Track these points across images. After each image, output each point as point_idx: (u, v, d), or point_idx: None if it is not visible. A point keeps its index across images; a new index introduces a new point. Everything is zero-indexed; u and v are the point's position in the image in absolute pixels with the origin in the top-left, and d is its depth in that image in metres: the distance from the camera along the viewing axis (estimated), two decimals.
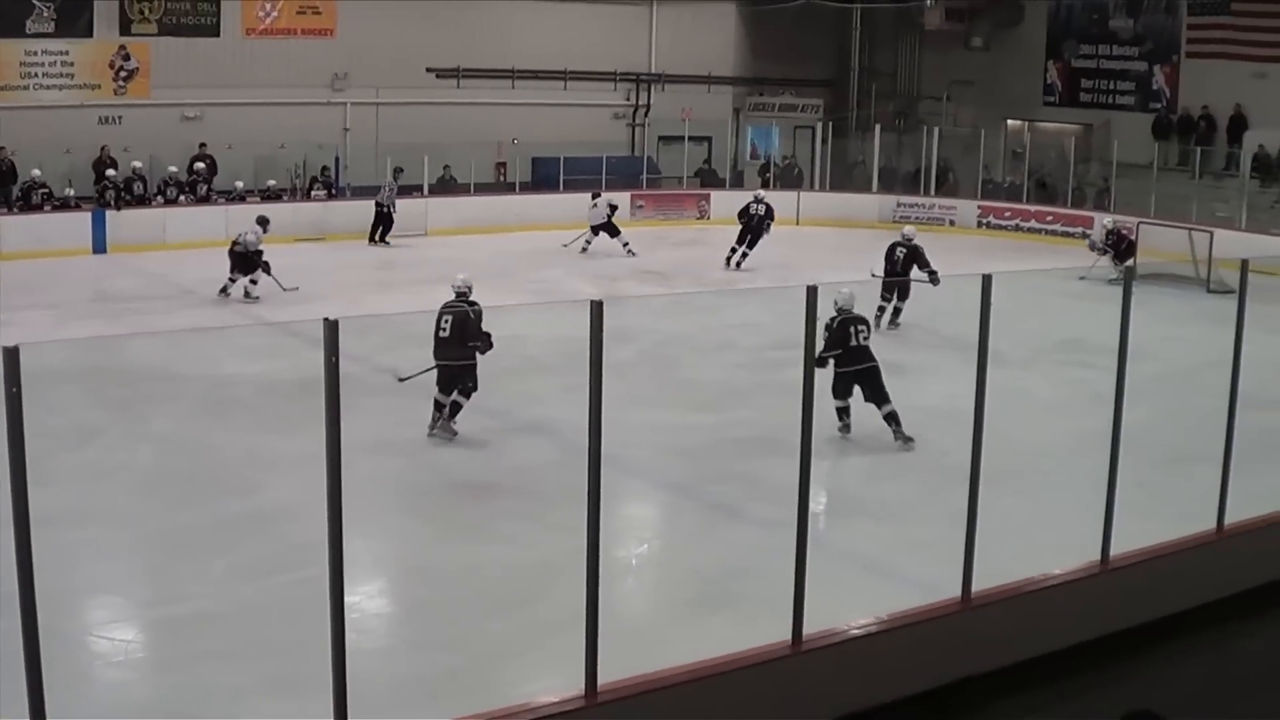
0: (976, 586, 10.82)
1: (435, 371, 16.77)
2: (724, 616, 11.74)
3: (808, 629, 9.89)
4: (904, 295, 24.14)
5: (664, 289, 26.75)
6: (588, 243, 32.96)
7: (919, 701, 10.41)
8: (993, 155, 42.57)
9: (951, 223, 39.12)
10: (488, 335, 16.55)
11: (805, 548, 9.69)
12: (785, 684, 9.84)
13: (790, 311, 9.76)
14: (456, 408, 16.89)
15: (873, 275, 24.38)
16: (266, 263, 26.62)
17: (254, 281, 26.69)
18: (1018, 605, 11.20)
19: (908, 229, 24.91)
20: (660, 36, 42.91)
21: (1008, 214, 39.67)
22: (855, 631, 10.37)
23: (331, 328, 7.47)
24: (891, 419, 17.28)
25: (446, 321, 16.77)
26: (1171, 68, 42.42)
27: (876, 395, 17.25)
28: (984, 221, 39.52)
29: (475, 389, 16.81)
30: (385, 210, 34.73)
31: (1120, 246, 30.76)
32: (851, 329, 17.27)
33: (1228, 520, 12.80)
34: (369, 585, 12.33)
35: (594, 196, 33.95)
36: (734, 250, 31.44)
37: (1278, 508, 13.60)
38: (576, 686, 8.84)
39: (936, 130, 41.83)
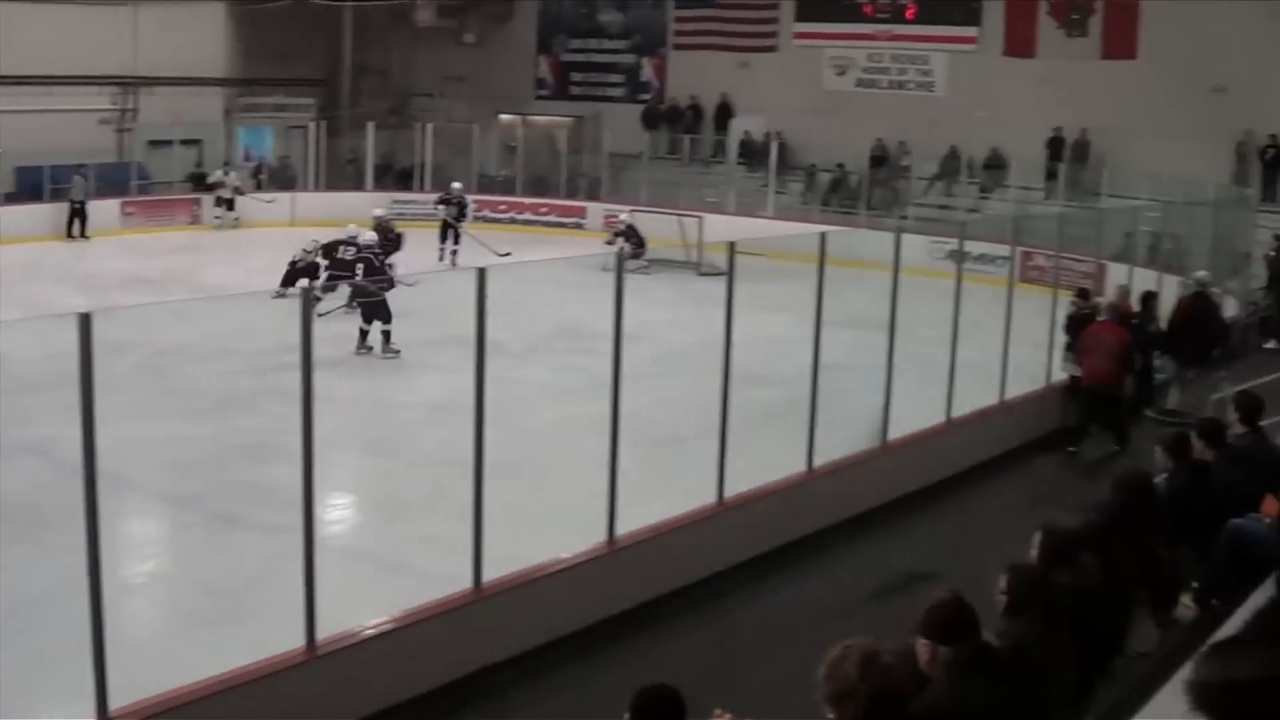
0: (488, 576, 10.93)
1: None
2: (236, 628, 11.48)
3: (322, 633, 9.80)
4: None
5: (157, 297, 26.00)
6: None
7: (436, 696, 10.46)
8: (486, 150, 43.02)
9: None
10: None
11: (313, 552, 9.60)
12: (303, 691, 9.73)
13: (287, 315, 9.64)
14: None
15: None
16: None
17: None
18: (529, 592, 11.36)
19: (351, 227, 24.97)
20: (146, 38, 41.38)
21: (503, 207, 40.10)
22: (370, 631, 10.33)
23: None
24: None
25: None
26: (660, 59, 43.86)
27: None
28: (479, 215, 39.80)
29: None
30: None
31: (635, 236, 31.65)
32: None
33: (727, 493, 13.25)
34: None
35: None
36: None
37: (773, 479, 14.18)
38: (88, 714, 8.53)
39: (430, 126, 41.96)
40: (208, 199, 38.96)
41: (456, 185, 35.11)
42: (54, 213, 35.20)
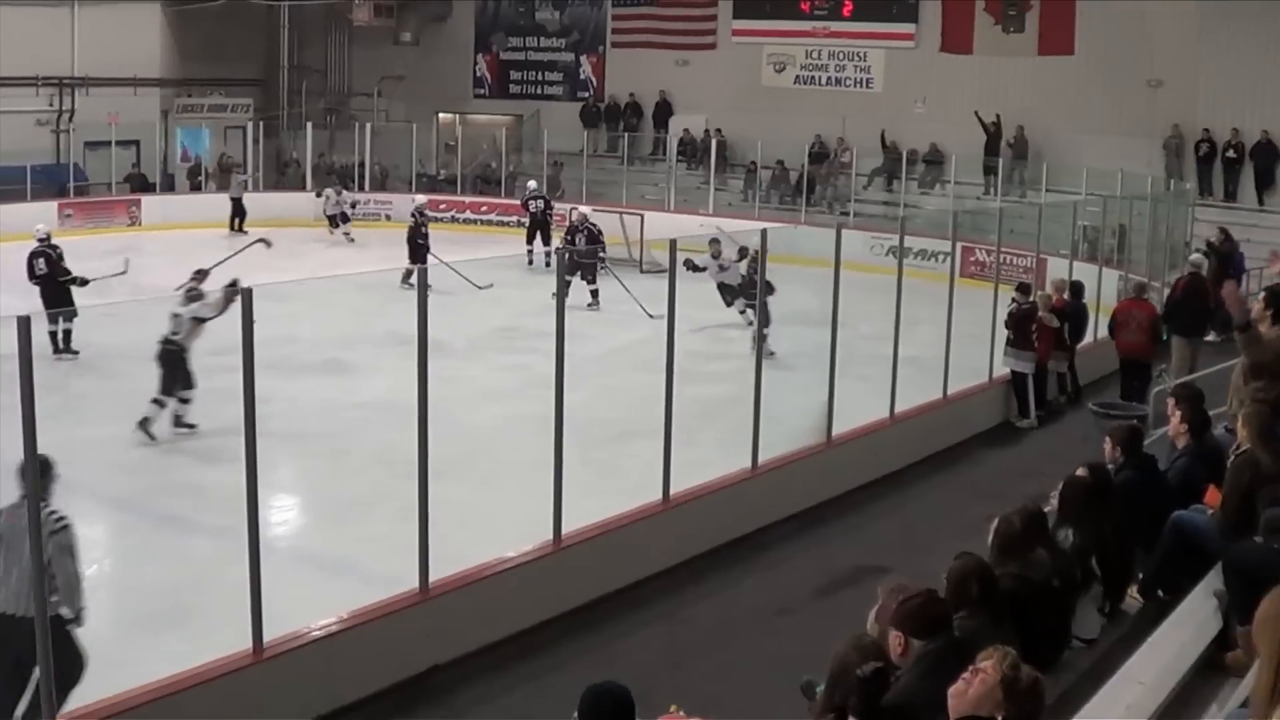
0: (434, 576, 10.90)
1: None
2: (183, 631, 11.40)
3: (269, 635, 9.75)
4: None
5: (97, 300, 25.75)
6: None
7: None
8: (426, 149, 42.92)
9: (388, 217, 39.05)
10: None
11: (258, 554, 9.54)
12: (251, 694, 9.68)
13: (227, 316, 9.59)
14: None
15: None
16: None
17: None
18: (476, 591, 11.34)
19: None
20: (83, 38, 40.88)
21: (444, 206, 39.88)
22: (317, 633, 10.28)
23: None
24: None
25: None
26: (598, 58, 43.85)
27: None
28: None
29: None
30: None
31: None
32: None
33: (673, 490, 13.26)
34: None
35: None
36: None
37: (716, 475, 14.21)
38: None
39: (369, 126, 41.80)
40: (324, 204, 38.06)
41: (532, 184, 35.37)
42: None
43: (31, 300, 21.10)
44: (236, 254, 23.84)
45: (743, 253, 23.96)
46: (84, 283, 22.40)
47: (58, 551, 8.97)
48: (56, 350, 21.39)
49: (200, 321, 17.59)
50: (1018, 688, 5.60)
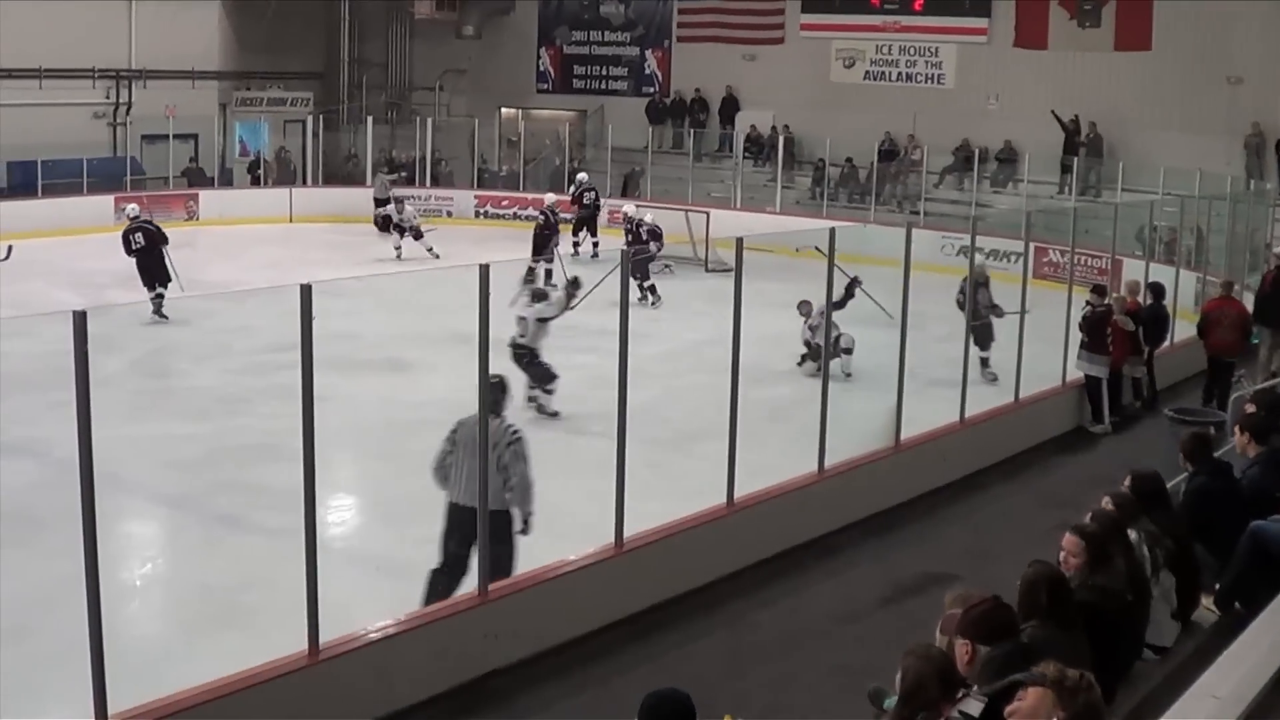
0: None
1: None
2: (237, 631, 11.30)
3: (325, 637, 9.61)
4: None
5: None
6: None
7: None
8: (488, 144, 42.85)
9: (449, 213, 39.00)
10: None
11: (315, 554, 9.38)
12: (306, 695, 9.55)
13: (286, 313, 9.40)
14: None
15: None
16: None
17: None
18: (537, 594, 11.20)
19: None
20: (141, 30, 40.73)
21: (505, 202, 39.72)
22: (374, 635, 10.14)
23: None
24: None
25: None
26: (664, 52, 43.72)
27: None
28: (482, 211, 39.48)
29: None
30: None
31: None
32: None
33: (738, 494, 13.06)
34: None
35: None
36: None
37: (783, 478, 14.00)
38: (87, 718, 8.32)
39: (430, 121, 41.73)
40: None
41: (583, 176, 35.29)
42: (48, 208, 34.78)
43: (86, 294, 21.08)
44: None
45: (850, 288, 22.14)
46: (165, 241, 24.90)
47: (513, 458, 11.17)
48: (155, 312, 23.34)
49: (544, 321, 18.39)
50: (1066, 684, 5.59)
